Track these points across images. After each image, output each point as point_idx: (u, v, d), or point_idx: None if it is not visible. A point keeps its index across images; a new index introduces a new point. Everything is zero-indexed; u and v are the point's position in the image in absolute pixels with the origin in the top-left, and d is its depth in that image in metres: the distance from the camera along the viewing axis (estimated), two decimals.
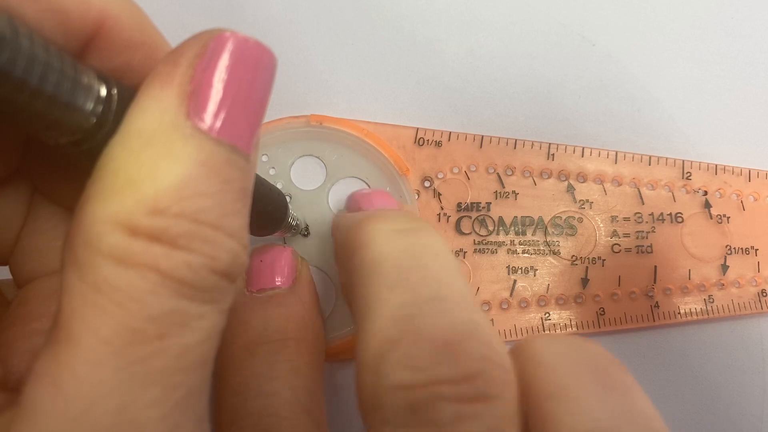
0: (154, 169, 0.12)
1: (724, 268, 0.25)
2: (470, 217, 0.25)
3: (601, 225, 0.25)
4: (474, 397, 0.15)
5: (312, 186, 0.25)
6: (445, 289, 0.17)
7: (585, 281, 0.25)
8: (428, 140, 0.25)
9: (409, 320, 0.16)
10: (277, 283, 0.22)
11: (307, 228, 0.25)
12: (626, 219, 0.25)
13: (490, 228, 0.25)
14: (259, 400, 0.20)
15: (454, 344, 0.15)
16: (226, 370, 0.21)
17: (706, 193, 0.26)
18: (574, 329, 0.25)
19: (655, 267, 0.25)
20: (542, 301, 0.25)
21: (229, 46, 0.13)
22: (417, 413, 0.15)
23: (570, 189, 0.25)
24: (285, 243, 0.24)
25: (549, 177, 0.26)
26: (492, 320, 0.25)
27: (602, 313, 0.25)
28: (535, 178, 0.25)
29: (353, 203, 0.23)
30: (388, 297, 0.16)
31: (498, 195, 0.25)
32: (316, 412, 0.21)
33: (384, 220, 0.18)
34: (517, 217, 0.25)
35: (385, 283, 0.17)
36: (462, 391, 0.15)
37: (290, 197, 0.25)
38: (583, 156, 0.26)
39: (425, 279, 0.17)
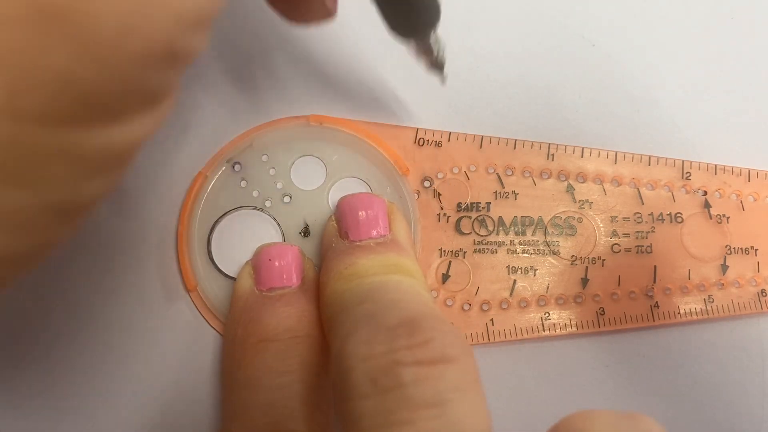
0: None
1: (724, 268, 0.25)
2: (470, 217, 0.25)
3: (601, 225, 0.25)
4: (432, 360, 0.16)
5: (312, 186, 0.25)
6: (406, 297, 0.19)
7: (585, 281, 0.25)
8: (428, 140, 0.25)
9: (370, 316, 0.18)
10: (287, 283, 0.23)
11: (307, 228, 0.25)
12: (626, 219, 0.25)
13: (490, 228, 0.25)
14: (270, 393, 0.20)
15: (409, 322, 0.17)
16: (236, 366, 0.21)
17: (705, 193, 0.26)
18: (574, 329, 0.25)
19: (655, 267, 0.25)
20: (542, 301, 0.25)
21: None
22: (377, 382, 0.16)
23: (570, 189, 0.25)
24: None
25: (549, 177, 0.26)
26: (492, 320, 0.25)
27: (602, 313, 0.25)
28: (534, 179, 0.25)
29: (341, 216, 0.23)
30: (355, 310, 0.18)
31: (498, 195, 0.25)
32: (325, 406, 0.21)
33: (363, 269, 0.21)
34: (516, 217, 0.25)
35: (355, 302, 0.19)
36: (420, 354, 0.16)
37: (290, 197, 0.25)
38: (582, 156, 0.26)
39: (388, 293, 0.19)
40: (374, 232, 0.22)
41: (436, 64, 0.22)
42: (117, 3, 0.11)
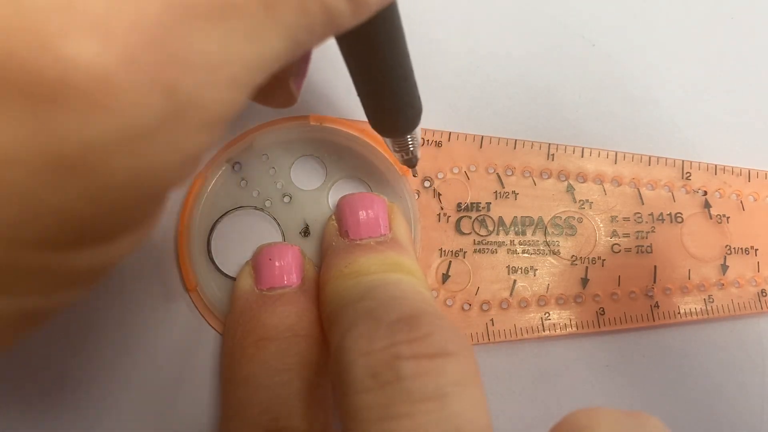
0: None
1: (724, 268, 0.25)
2: (470, 217, 0.25)
3: (601, 225, 0.25)
4: (432, 354, 0.16)
5: (312, 186, 0.25)
6: (405, 294, 0.19)
7: (585, 281, 0.25)
8: (428, 140, 0.25)
9: (370, 312, 0.18)
10: (287, 282, 0.23)
11: (307, 228, 0.25)
12: (626, 219, 0.25)
13: (490, 228, 0.25)
14: (269, 390, 0.20)
15: (409, 318, 0.17)
16: (235, 364, 0.21)
17: (705, 193, 0.26)
18: (574, 329, 0.25)
19: (655, 267, 0.25)
20: (542, 301, 0.25)
21: None
22: (377, 376, 0.16)
23: (570, 189, 0.25)
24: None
25: (549, 177, 0.26)
26: (492, 320, 0.25)
27: (602, 313, 0.25)
28: (534, 178, 0.25)
29: (341, 216, 0.23)
30: (355, 306, 0.18)
31: (498, 195, 0.25)
32: (324, 404, 0.21)
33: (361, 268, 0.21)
34: (517, 217, 0.25)
35: (355, 299, 0.19)
36: (419, 349, 0.16)
37: (290, 197, 0.25)
38: (582, 156, 0.26)
39: (388, 291, 0.19)
40: (374, 232, 0.22)
41: (409, 162, 0.23)
42: (130, 160, 0.11)
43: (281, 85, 0.17)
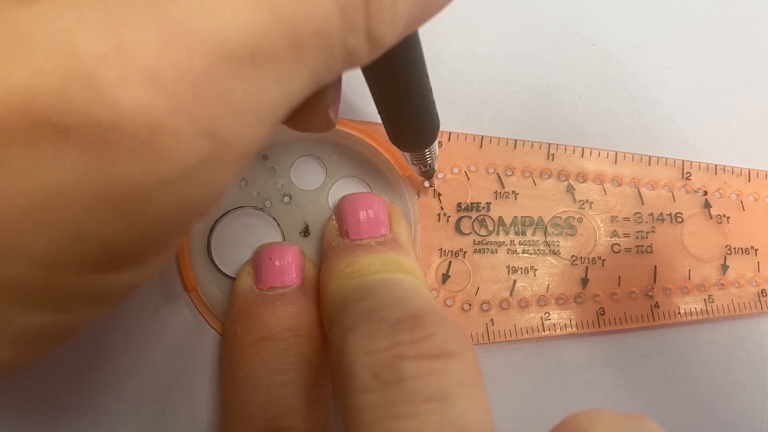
0: None
1: (724, 268, 0.25)
2: (470, 217, 0.25)
3: (601, 225, 0.25)
4: (435, 354, 0.16)
5: (312, 186, 0.25)
6: (407, 294, 0.19)
7: (585, 281, 0.25)
8: None
9: (372, 311, 0.18)
10: (287, 282, 0.23)
11: (307, 228, 0.25)
12: (626, 219, 0.25)
13: (490, 228, 0.25)
14: (269, 390, 0.20)
15: (411, 318, 0.17)
16: (236, 364, 0.21)
17: (705, 193, 0.26)
18: (574, 329, 0.25)
19: (655, 267, 0.25)
20: (542, 301, 0.25)
21: None
22: (379, 376, 0.16)
23: (570, 189, 0.25)
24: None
25: (549, 177, 0.26)
26: (492, 320, 0.25)
27: (602, 313, 0.25)
28: (535, 178, 0.25)
29: (341, 216, 0.23)
30: (356, 306, 0.19)
31: (498, 195, 0.25)
32: (325, 404, 0.21)
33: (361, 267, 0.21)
34: (517, 217, 0.25)
35: (356, 299, 0.19)
36: (422, 349, 0.16)
37: (290, 197, 0.25)
38: (582, 156, 0.26)
39: (390, 290, 0.19)
40: (374, 232, 0.22)
41: (427, 173, 0.24)
42: (171, 196, 0.12)
43: (320, 115, 0.18)
